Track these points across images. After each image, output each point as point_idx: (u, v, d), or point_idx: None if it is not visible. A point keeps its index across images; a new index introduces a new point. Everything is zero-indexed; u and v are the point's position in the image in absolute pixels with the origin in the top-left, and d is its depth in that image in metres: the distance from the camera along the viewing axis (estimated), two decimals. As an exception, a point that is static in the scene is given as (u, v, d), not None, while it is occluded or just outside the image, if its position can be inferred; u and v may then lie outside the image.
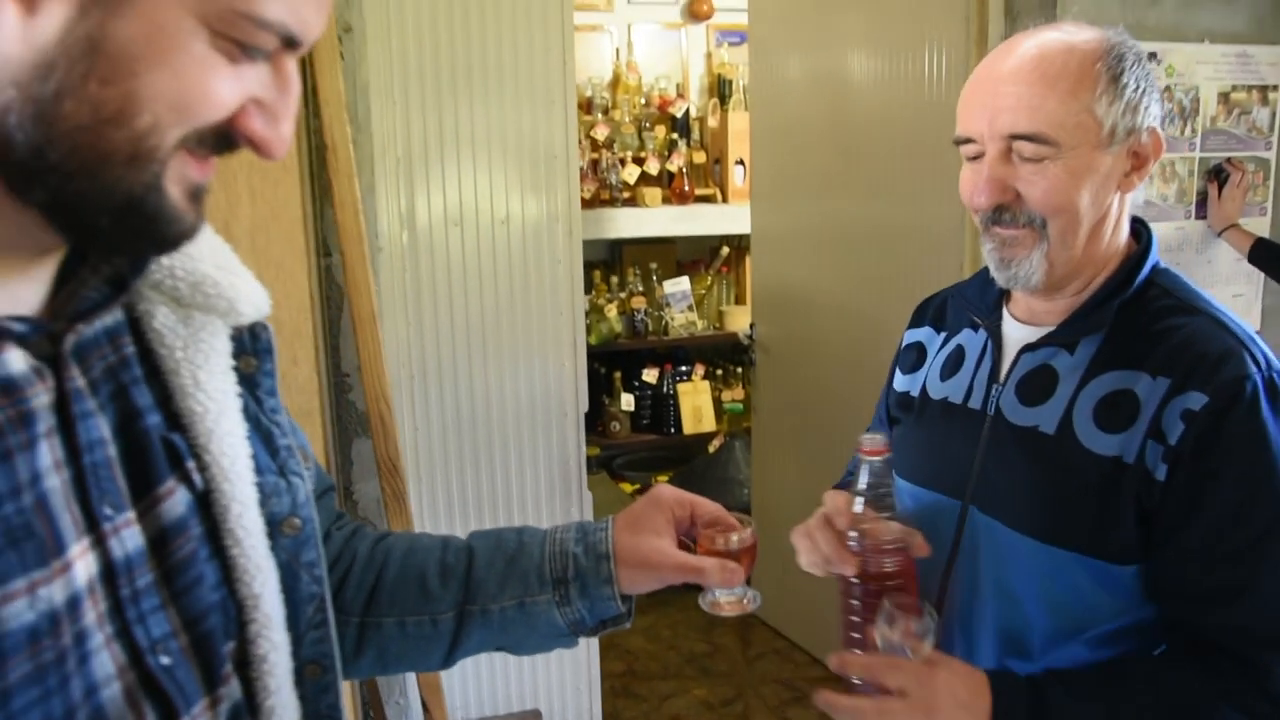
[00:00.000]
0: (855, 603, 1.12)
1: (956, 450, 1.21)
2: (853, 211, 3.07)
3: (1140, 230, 1.20)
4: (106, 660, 0.61)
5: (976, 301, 1.27)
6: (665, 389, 4.32)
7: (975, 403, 1.21)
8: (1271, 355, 1.08)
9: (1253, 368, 1.05)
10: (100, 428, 0.65)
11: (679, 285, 4.33)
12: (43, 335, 0.62)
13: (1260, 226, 2.70)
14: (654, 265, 4.36)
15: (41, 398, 0.60)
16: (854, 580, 1.11)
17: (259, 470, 0.75)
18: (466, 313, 2.40)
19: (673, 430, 4.33)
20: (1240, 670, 1.03)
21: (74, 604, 0.60)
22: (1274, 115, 2.71)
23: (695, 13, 4.49)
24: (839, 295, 3.17)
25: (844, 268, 3.14)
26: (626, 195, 4.14)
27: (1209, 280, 2.65)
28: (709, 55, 4.56)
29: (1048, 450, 1.12)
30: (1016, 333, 1.22)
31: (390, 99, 2.23)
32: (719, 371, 4.51)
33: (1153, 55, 2.54)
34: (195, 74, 0.56)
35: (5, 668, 0.55)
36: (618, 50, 4.42)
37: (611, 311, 4.20)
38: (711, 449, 4.21)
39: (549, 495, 2.56)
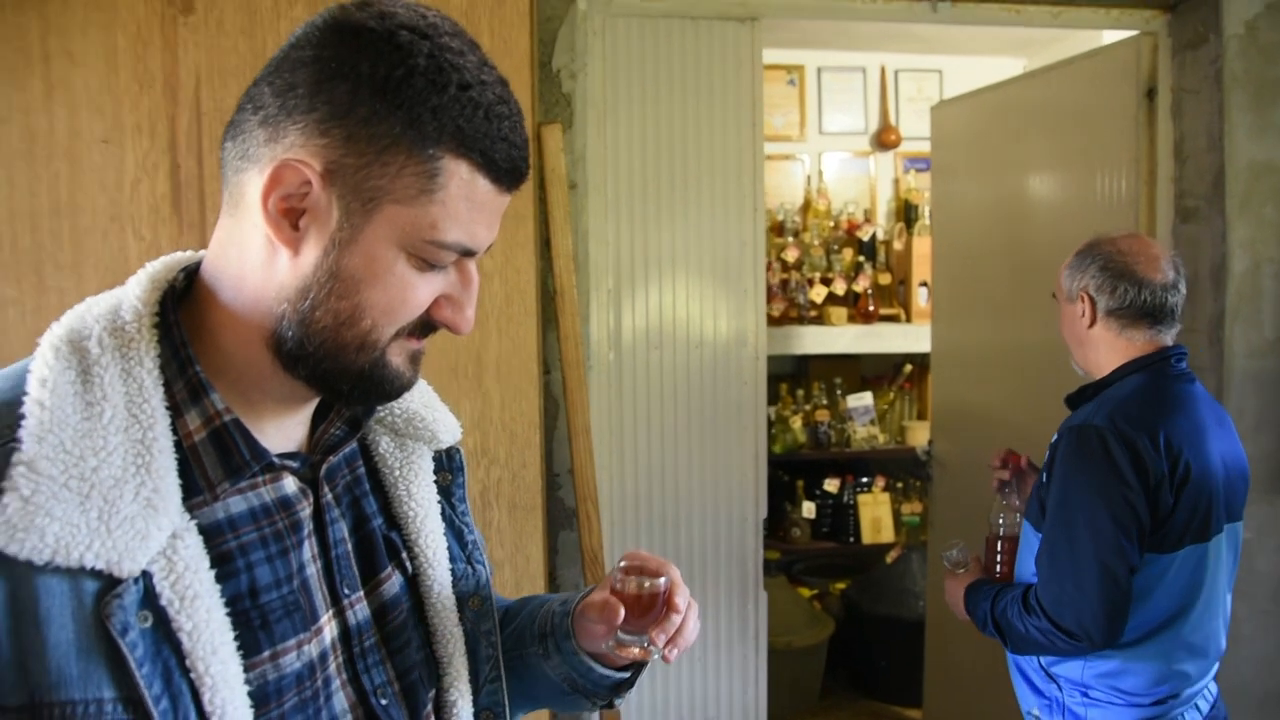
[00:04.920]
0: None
1: None
2: (1029, 334, 3.14)
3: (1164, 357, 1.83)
4: (343, 699, 0.83)
5: None
6: (846, 499, 4.42)
7: None
8: (1121, 429, 1.68)
9: (1078, 425, 1.72)
10: (342, 529, 0.88)
11: (862, 400, 4.47)
12: (307, 466, 0.86)
13: None
14: (838, 380, 4.52)
15: (306, 510, 0.83)
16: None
17: (452, 559, 0.97)
18: (662, 424, 2.70)
19: (852, 539, 4.41)
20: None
21: (323, 657, 0.82)
22: None
23: (884, 141, 4.71)
24: (1015, 415, 3.23)
25: (1020, 389, 3.21)
26: (813, 314, 4.33)
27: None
28: (896, 181, 4.74)
29: None
30: None
31: (604, 240, 2.61)
32: (899, 484, 4.57)
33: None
34: (398, 287, 0.76)
35: (283, 700, 0.77)
36: (809, 177, 4.68)
37: (796, 423, 4.38)
38: (889, 559, 4.26)
39: (727, 593, 2.79)
